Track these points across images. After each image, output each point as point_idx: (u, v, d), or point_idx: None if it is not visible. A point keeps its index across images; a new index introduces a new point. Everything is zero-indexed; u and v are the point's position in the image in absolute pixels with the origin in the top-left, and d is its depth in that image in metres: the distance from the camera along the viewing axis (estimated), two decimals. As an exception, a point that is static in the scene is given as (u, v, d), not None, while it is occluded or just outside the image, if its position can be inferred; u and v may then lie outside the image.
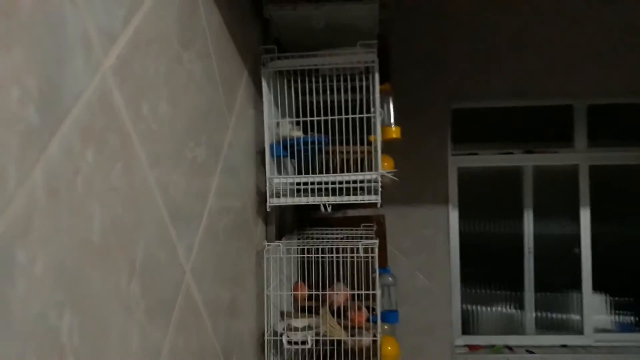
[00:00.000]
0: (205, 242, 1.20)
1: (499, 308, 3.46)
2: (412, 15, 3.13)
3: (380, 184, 1.71)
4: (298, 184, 1.75)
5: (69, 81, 0.66)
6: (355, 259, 1.76)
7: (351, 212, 2.93)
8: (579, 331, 3.38)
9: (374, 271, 1.71)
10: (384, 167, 1.94)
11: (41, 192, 0.60)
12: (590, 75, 3.19)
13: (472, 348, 3.34)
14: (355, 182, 1.71)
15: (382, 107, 1.82)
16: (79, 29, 0.69)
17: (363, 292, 1.72)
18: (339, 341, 1.79)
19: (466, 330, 3.40)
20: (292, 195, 1.74)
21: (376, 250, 1.73)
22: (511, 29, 3.17)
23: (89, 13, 0.71)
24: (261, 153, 1.75)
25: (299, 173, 1.82)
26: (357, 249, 1.71)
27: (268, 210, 1.73)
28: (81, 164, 0.69)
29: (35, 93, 0.59)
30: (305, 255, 1.80)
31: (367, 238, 1.84)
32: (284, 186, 1.73)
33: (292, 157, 1.78)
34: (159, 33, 0.95)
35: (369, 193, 1.70)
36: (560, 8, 3.15)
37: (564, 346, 3.33)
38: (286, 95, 1.80)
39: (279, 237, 1.92)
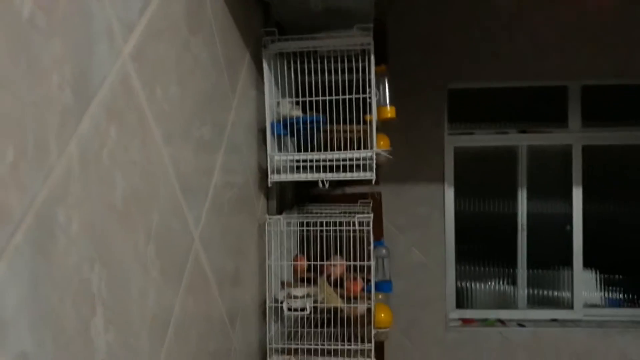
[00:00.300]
0: (211, 213, 1.31)
1: (493, 284, 3.58)
2: (409, -2, 3.20)
3: (375, 161, 1.81)
4: (297, 161, 1.85)
5: (96, 67, 0.76)
6: (351, 233, 1.87)
7: (349, 190, 3.04)
8: (569, 306, 3.50)
9: (368, 244, 1.82)
10: (379, 145, 2.04)
11: (76, 163, 0.71)
12: (584, 57, 3.26)
13: (466, 321, 3.47)
14: (351, 159, 1.81)
15: (377, 87, 1.91)
16: (104, 22, 0.78)
17: (358, 263, 1.84)
18: (336, 309, 1.91)
19: (460, 304, 3.54)
20: (291, 172, 1.84)
21: (370, 223, 1.85)
22: (506, 10, 3.23)
23: (111, 7, 0.80)
24: (262, 131, 1.85)
25: (299, 151, 1.92)
26: (353, 222, 1.82)
27: (269, 185, 1.84)
28: (106, 139, 0.79)
29: (70, 78, 0.70)
30: (304, 228, 1.92)
31: (364, 213, 1.95)
32: (284, 163, 1.83)
33: (292, 135, 1.88)
34: (170, 22, 1.04)
35: (365, 170, 1.80)
36: (555, -10, 3.21)
37: (555, 320, 3.46)
38: (286, 75, 1.89)
39: (279, 212, 2.03)
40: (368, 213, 1.87)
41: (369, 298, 1.86)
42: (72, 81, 0.70)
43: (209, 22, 1.31)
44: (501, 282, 3.58)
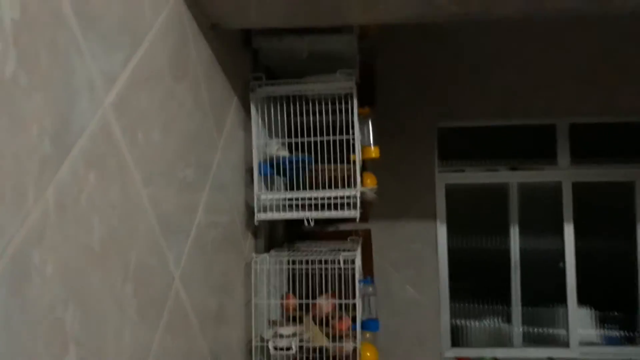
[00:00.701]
0: (193, 252, 1.35)
1: (487, 322, 3.57)
2: (397, 38, 3.29)
3: (359, 200, 1.86)
4: (284, 199, 1.90)
5: (76, 117, 0.82)
6: (342, 270, 1.90)
7: (342, 227, 3.07)
8: (565, 344, 3.48)
9: (354, 282, 1.85)
10: (367, 183, 2.08)
11: (52, 208, 0.76)
12: (571, 95, 3.34)
13: (461, 360, 3.45)
14: (336, 198, 1.86)
15: (362, 129, 1.98)
16: (85, 75, 0.85)
17: (343, 301, 1.86)
18: (322, 348, 1.92)
19: (455, 342, 3.51)
20: (278, 210, 1.88)
21: (356, 261, 1.88)
22: (494, 49, 3.33)
23: (92, 61, 0.87)
24: (250, 171, 1.90)
25: (285, 190, 1.97)
26: (338, 260, 1.85)
27: (256, 224, 1.88)
28: (85, 184, 0.84)
29: (50, 129, 0.75)
30: (290, 266, 1.94)
31: (351, 251, 1.98)
32: (271, 202, 1.88)
33: (279, 174, 1.94)
34: (153, 71, 1.11)
35: (349, 208, 1.85)
36: (541, 31, 3.31)
37: (551, 359, 3.43)
38: (273, 117, 1.95)
39: (267, 250, 2.06)
40: (354, 251, 1.90)
41: (355, 337, 1.87)
42: (51, 131, 0.75)
43: (194, 69, 1.38)
44: (496, 320, 3.57)
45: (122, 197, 0.96)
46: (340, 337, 1.88)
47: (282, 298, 2.08)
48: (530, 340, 3.52)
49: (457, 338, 3.52)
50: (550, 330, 3.54)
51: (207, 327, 1.46)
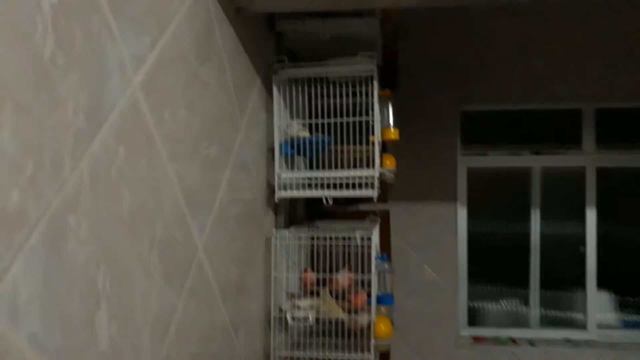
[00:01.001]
0: (216, 225, 1.43)
1: (505, 304, 3.60)
2: (423, 22, 3.30)
3: (377, 180, 1.91)
4: (304, 179, 1.97)
5: (107, 95, 0.89)
6: (359, 247, 1.96)
7: (361, 207, 3.13)
8: (583, 326, 3.50)
9: (369, 258, 1.91)
10: (386, 165, 2.13)
11: (86, 177, 0.83)
12: (598, 80, 3.31)
13: (477, 340, 3.50)
14: (355, 178, 1.91)
15: (382, 110, 2.02)
16: (116, 56, 0.92)
17: (360, 276, 1.93)
18: (338, 320, 1.99)
19: (472, 323, 3.57)
20: (298, 189, 1.95)
21: (373, 238, 1.94)
22: (520, 33, 3.31)
23: (123, 44, 0.94)
24: (271, 151, 1.97)
25: (306, 169, 2.03)
26: (355, 237, 1.91)
27: (277, 201, 1.95)
28: (115, 157, 0.92)
29: (84, 105, 0.83)
30: (309, 242, 2.02)
31: (368, 229, 2.04)
32: (291, 181, 1.95)
33: (299, 154, 2.00)
34: (179, 53, 1.18)
35: (367, 188, 1.91)
36: (568, 13, 3.27)
37: (567, 340, 3.45)
38: (295, 99, 2.01)
39: (288, 227, 2.14)
40: (371, 230, 1.96)
41: (370, 311, 1.94)
42: (85, 108, 0.83)
43: (218, 52, 1.45)
44: (514, 302, 3.60)
45: (150, 171, 1.04)
46: (356, 311, 1.95)
47: (300, 272, 2.16)
48: (548, 322, 3.55)
49: (474, 319, 3.57)
50: (568, 314, 3.56)
51: (229, 296, 1.55)
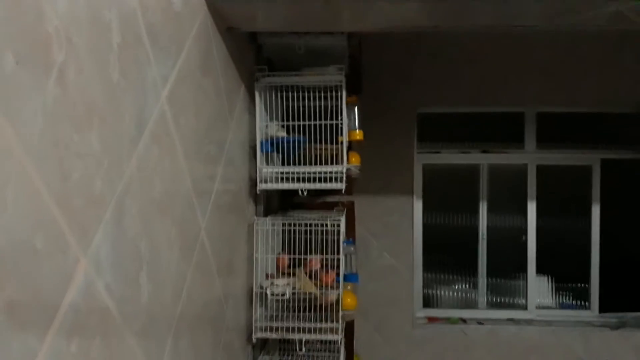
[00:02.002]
0: (214, 211, 1.71)
1: (457, 288, 4.00)
2: (385, 34, 3.62)
3: (344, 175, 2.23)
4: (282, 173, 2.27)
5: (147, 108, 1.17)
6: (328, 233, 2.28)
7: (329, 198, 3.45)
8: (524, 308, 3.93)
9: (338, 242, 2.23)
10: (352, 162, 2.45)
11: (135, 170, 1.11)
12: (538, 86, 3.73)
13: (431, 319, 3.88)
14: (325, 172, 2.23)
15: (349, 114, 2.34)
16: (152, 77, 1.20)
17: (330, 256, 2.24)
18: (311, 297, 2.30)
19: (427, 305, 3.95)
20: (276, 181, 2.25)
21: (341, 225, 2.26)
22: (469, 44, 3.68)
23: (156, 66, 1.22)
24: (253, 148, 2.26)
25: (283, 165, 2.33)
26: (326, 224, 2.23)
27: (258, 193, 2.24)
28: (151, 155, 1.20)
29: (134, 116, 1.10)
30: (286, 228, 2.32)
31: (337, 218, 2.36)
32: (271, 174, 2.24)
33: (278, 152, 2.30)
34: (190, 71, 1.46)
35: (336, 181, 2.22)
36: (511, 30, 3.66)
37: (510, 320, 3.88)
38: (274, 103, 2.30)
39: (265, 215, 2.43)
40: (339, 218, 2.28)
41: (338, 287, 2.26)
42: (135, 118, 1.11)
43: (215, 65, 1.73)
44: (464, 287, 4.00)
45: (172, 165, 1.32)
46: (327, 287, 2.27)
47: (277, 256, 2.46)
48: (494, 305, 3.97)
49: (429, 301, 3.96)
50: (512, 298, 3.99)
51: (222, 272, 1.83)
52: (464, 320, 3.87)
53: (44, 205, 0.80)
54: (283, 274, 2.44)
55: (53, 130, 0.82)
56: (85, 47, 0.91)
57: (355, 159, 2.51)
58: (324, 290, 2.26)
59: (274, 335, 2.20)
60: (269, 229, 2.30)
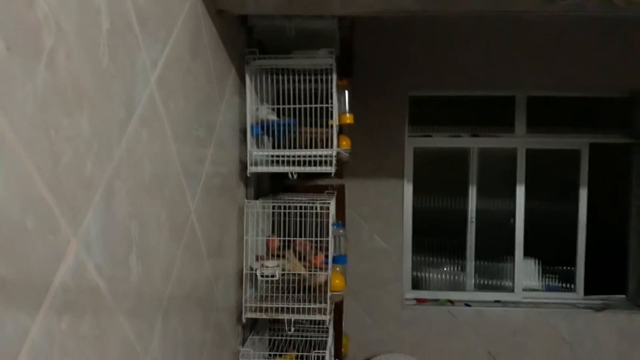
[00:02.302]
0: (203, 193, 1.73)
1: (445, 270, 4.07)
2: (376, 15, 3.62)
3: (335, 158, 2.25)
4: (272, 156, 2.29)
5: (136, 91, 1.19)
6: (318, 216, 2.31)
7: (319, 182, 3.48)
8: (511, 290, 4.00)
9: (327, 224, 2.26)
10: (341, 145, 2.47)
11: (125, 153, 1.13)
12: (530, 71, 3.74)
13: (420, 301, 3.95)
14: (316, 156, 2.25)
15: (339, 98, 2.35)
16: (141, 62, 1.21)
17: (319, 238, 2.28)
18: (301, 278, 2.34)
19: (415, 287, 4.01)
20: (267, 165, 2.27)
21: (330, 208, 2.29)
22: (461, 28, 3.69)
23: (145, 51, 1.23)
24: (244, 131, 2.28)
25: (273, 148, 2.35)
26: (316, 207, 2.26)
27: (248, 175, 2.27)
28: (140, 138, 1.22)
29: (124, 100, 1.12)
30: (276, 211, 2.35)
31: (326, 201, 2.39)
32: (261, 158, 2.26)
33: (268, 135, 2.32)
34: (178, 55, 1.47)
35: (326, 165, 2.24)
36: (505, 15, 3.66)
37: (497, 301, 3.95)
38: (264, 86, 2.31)
39: (256, 198, 2.46)
40: (328, 201, 2.31)
41: (327, 269, 2.30)
42: (124, 102, 1.12)
43: (204, 48, 1.74)
44: (453, 269, 4.07)
45: (161, 148, 1.34)
46: (316, 269, 2.31)
47: (267, 238, 2.49)
48: (482, 288, 4.04)
49: (418, 283, 4.02)
50: (500, 280, 4.06)
51: (211, 254, 1.86)
52: (451, 302, 3.94)
53: (35, 188, 0.82)
54: (273, 255, 2.48)
55: (43, 114, 0.83)
56: (75, 32, 0.92)
57: (346, 143, 2.53)
58: (313, 271, 2.30)
59: (263, 316, 2.24)
60: (259, 211, 2.32)
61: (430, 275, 4.08)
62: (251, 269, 2.28)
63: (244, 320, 2.26)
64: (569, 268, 4.02)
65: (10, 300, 0.77)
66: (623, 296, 3.98)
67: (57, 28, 0.87)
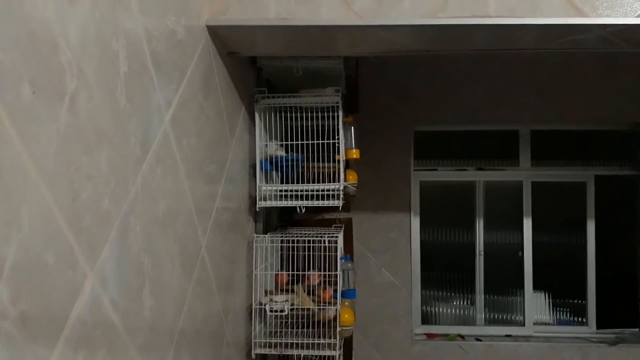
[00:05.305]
0: (214, 228, 1.77)
1: (455, 304, 4.03)
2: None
3: (342, 192, 2.29)
4: (280, 191, 2.33)
5: (151, 130, 1.24)
6: (326, 250, 2.33)
7: (327, 216, 3.50)
8: (522, 324, 3.96)
9: (335, 258, 2.28)
10: (349, 179, 2.51)
11: (140, 189, 1.17)
12: (532, 105, 3.80)
13: (430, 336, 3.91)
14: (323, 190, 2.29)
15: (345, 134, 2.40)
16: (156, 102, 1.26)
17: (327, 273, 2.29)
18: (310, 313, 2.35)
19: (425, 321, 3.98)
20: (275, 199, 2.31)
21: (338, 242, 2.31)
22: (465, 64, 3.77)
23: (160, 91, 1.28)
24: (253, 167, 2.33)
25: (282, 183, 2.40)
26: (324, 240, 2.28)
27: (257, 210, 2.30)
28: (155, 175, 1.26)
29: (139, 138, 1.17)
30: (285, 245, 2.38)
31: (334, 235, 2.41)
32: (270, 192, 2.30)
33: (277, 170, 2.36)
34: (192, 94, 1.52)
35: (334, 199, 2.28)
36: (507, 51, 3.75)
37: (508, 336, 3.90)
38: (273, 123, 2.37)
39: (265, 232, 2.48)
40: (336, 235, 2.34)
41: (336, 303, 2.30)
42: (140, 140, 1.17)
43: (216, 88, 1.80)
44: (462, 303, 4.04)
45: (174, 185, 1.38)
46: (325, 303, 2.31)
47: (276, 273, 2.51)
48: (492, 322, 4.00)
49: (427, 318, 3.99)
50: (510, 314, 4.02)
51: (221, 288, 1.88)
52: (462, 337, 3.89)
53: (56, 224, 0.85)
54: (282, 290, 2.48)
55: (65, 153, 0.88)
56: (95, 76, 0.98)
57: (352, 177, 2.56)
58: (322, 306, 2.30)
59: (273, 351, 2.24)
60: (267, 245, 2.35)
61: (440, 309, 4.05)
62: (260, 303, 2.29)
63: (253, 356, 2.25)
64: (579, 301, 3.98)
65: (30, 334, 0.79)
66: (636, 329, 3.92)
67: (79, 72, 0.92)
